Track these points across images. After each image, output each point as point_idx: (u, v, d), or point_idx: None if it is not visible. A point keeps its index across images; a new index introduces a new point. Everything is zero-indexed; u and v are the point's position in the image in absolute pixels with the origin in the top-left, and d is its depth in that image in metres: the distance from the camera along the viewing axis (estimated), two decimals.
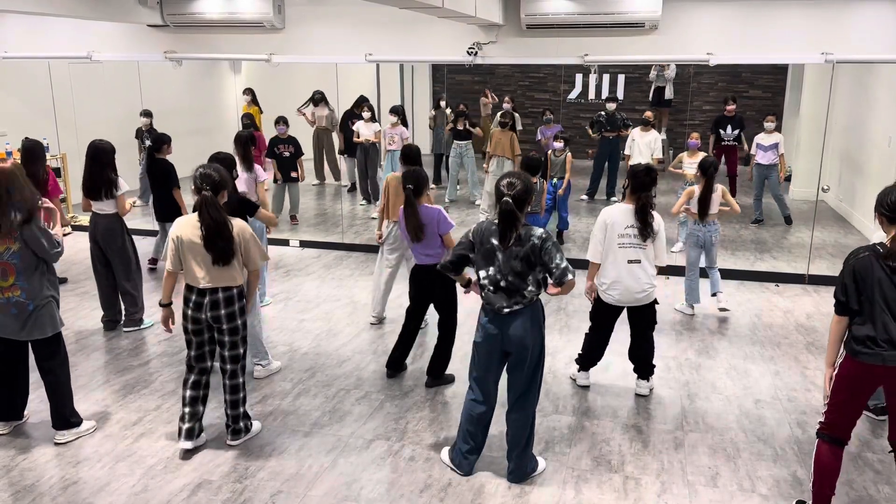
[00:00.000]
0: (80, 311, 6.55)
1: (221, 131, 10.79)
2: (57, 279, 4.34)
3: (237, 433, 4.34)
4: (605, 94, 12.73)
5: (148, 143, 7.76)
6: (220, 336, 4.17)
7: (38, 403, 4.73)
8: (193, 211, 4.02)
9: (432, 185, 10.74)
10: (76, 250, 8.53)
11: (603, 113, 10.53)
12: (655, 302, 4.90)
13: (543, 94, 13.68)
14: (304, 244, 8.84)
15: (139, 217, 9.19)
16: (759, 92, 13.22)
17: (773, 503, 3.83)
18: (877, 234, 3.85)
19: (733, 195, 7.46)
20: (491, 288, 3.81)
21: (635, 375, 5.07)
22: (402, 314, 5.36)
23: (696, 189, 6.29)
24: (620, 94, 12.33)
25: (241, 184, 5.93)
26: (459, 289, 4.51)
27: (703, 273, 6.59)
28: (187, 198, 5.13)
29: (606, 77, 12.86)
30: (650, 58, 8.20)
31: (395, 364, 5.28)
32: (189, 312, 4.09)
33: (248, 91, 10.59)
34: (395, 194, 5.81)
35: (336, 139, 11.15)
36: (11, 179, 4.02)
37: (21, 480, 3.98)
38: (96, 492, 3.88)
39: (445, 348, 5.13)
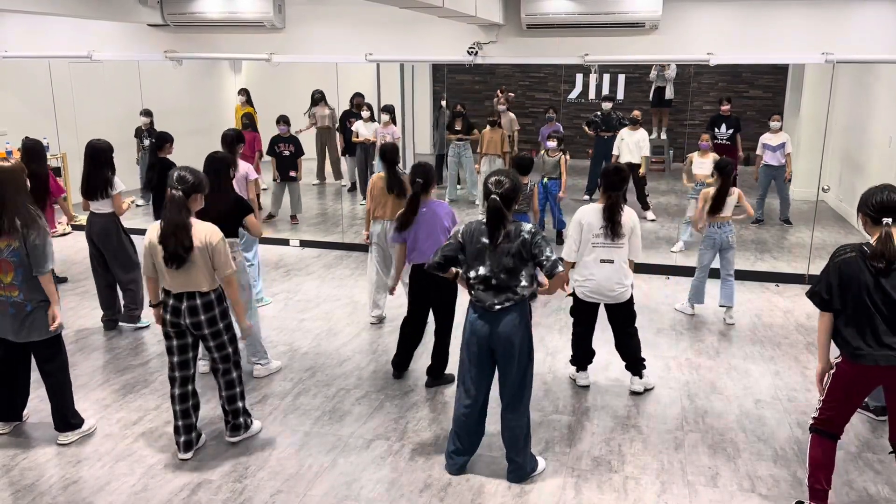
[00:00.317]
0: (80, 311, 6.55)
1: (221, 131, 10.76)
2: (56, 279, 4.32)
3: (236, 429, 4.33)
4: (606, 91, 12.75)
5: (147, 142, 7.77)
6: (205, 342, 4.12)
7: (38, 403, 4.73)
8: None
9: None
10: (76, 250, 8.53)
11: (599, 112, 10.54)
12: (633, 299, 4.94)
13: (544, 94, 13.69)
14: (304, 244, 8.84)
15: (140, 216, 9.19)
16: (760, 92, 13.23)
17: (773, 503, 3.83)
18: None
19: None
20: (481, 286, 3.81)
21: (629, 373, 5.08)
22: (401, 314, 5.35)
23: (711, 191, 6.23)
24: (620, 94, 12.35)
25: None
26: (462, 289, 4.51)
27: (712, 274, 6.53)
28: None
29: (607, 77, 12.87)
30: (650, 58, 8.20)
31: (400, 367, 5.28)
32: (168, 317, 4.02)
33: (243, 91, 10.60)
34: (382, 194, 5.82)
35: (339, 139, 11.18)
36: (15, 178, 4.02)
37: (21, 480, 3.99)
38: (96, 491, 3.88)
39: (444, 348, 5.13)
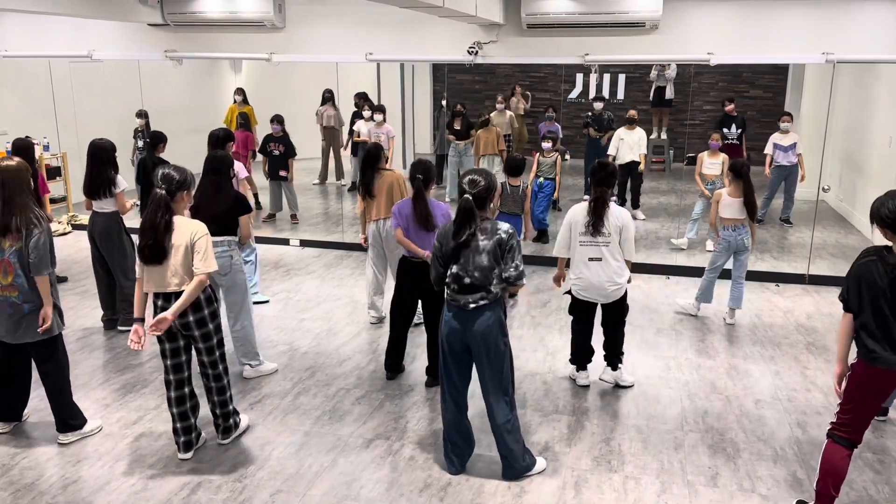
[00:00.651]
0: (80, 311, 6.55)
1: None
2: (56, 280, 4.32)
3: (227, 431, 4.32)
4: (606, 93, 12.74)
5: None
6: (195, 343, 4.10)
7: (38, 402, 4.73)
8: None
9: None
10: (76, 249, 8.53)
11: (590, 113, 10.55)
12: (626, 297, 4.95)
13: (544, 94, 13.67)
14: (304, 243, 8.83)
15: (138, 217, 9.18)
16: (760, 92, 13.22)
17: (773, 503, 3.83)
18: (877, 234, 3.84)
19: None
20: (455, 285, 3.82)
21: (605, 363, 5.11)
22: None
23: (724, 192, 6.18)
24: (621, 94, 12.33)
25: None
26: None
27: (723, 275, 6.49)
28: None
29: (607, 77, 12.87)
30: (651, 57, 8.20)
31: (393, 367, 5.28)
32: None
33: (239, 91, 10.61)
34: (377, 194, 5.82)
35: (344, 138, 11.23)
36: (21, 176, 4.03)
37: (21, 479, 3.98)
38: (96, 491, 3.88)
39: (438, 346, 5.11)
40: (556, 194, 8.67)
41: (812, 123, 10.13)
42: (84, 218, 9.48)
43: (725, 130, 9.55)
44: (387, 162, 5.94)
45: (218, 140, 6.16)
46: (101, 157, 5.79)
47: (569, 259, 4.96)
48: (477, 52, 7.64)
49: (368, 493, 3.88)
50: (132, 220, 6.31)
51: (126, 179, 6.02)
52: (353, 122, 10.91)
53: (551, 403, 4.89)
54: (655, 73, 12.01)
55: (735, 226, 6.17)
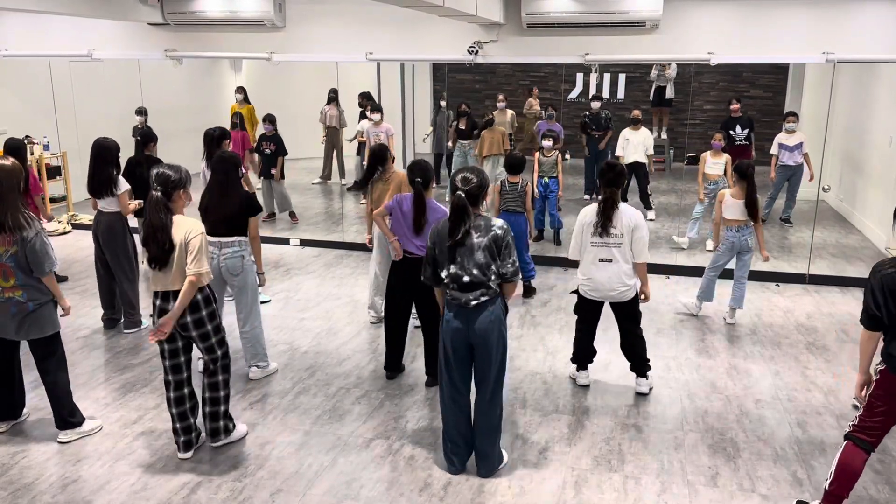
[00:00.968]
0: (80, 310, 6.55)
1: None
2: (56, 278, 4.33)
3: (215, 433, 4.25)
4: (606, 93, 12.73)
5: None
6: (196, 343, 4.09)
7: (37, 402, 4.74)
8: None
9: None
10: (76, 249, 8.53)
11: (588, 113, 10.55)
12: (637, 298, 4.92)
13: (544, 93, 13.65)
14: (304, 243, 8.83)
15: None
16: (761, 92, 13.21)
17: (773, 503, 3.83)
18: (875, 234, 3.84)
19: None
20: (454, 285, 3.83)
21: (634, 374, 5.07)
22: None
23: (727, 193, 6.17)
24: (621, 94, 12.32)
25: None
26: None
27: (724, 274, 6.49)
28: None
29: (607, 76, 12.86)
30: (651, 57, 8.19)
31: (392, 367, 5.27)
32: (156, 319, 3.99)
33: (240, 89, 10.61)
34: (381, 195, 5.80)
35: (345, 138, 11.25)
36: (13, 177, 4.03)
37: (20, 478, 3.98)
38: (96, 490, 3.88)
39: (436, 345, 5.11)
40: (560, 191, 8.66)
41: (812, 123, 10.12)
42: (84, 217, 9.49)
43: (732, 132, 9.50)
44: (393, 161, 5.93)
45: (212, 139, 6.13)
46: (104, 157, 5.77)
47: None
48: (477, 51, 7.64)
49: (368, 492, 3.88)
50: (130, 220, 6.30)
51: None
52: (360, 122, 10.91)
53: (551, 403, 4.89)
54: (656, 73, 12.00)
55: (739, 227, 6.16)
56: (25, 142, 7.11)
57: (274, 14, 7.98)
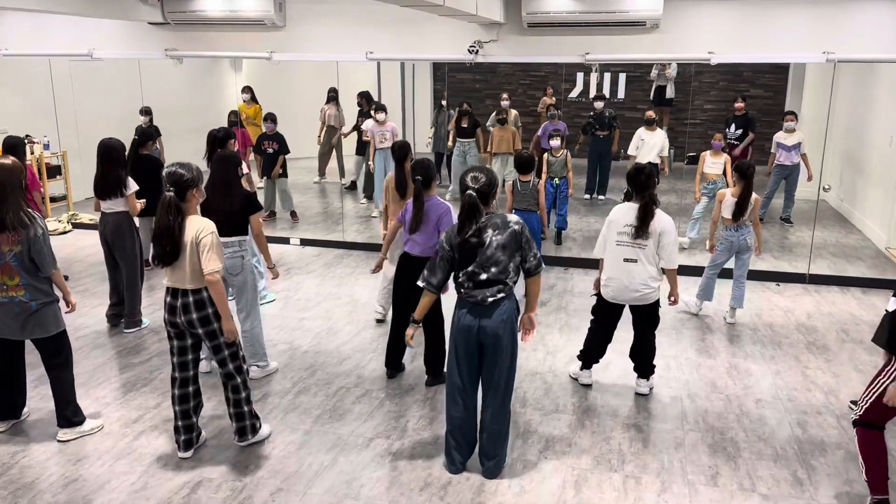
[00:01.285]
0: (81, 309, 6.54)
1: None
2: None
3: (243, 433, 4.28)
4: (606, 92, 12.73)
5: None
6: (203, 341, 4.09)
7: (37, 401, 4.74)
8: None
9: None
10: (76, 248, 8.53)
11: (592, 113, 10.54)
12: (658, 303, 4.89)
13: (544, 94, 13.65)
14: (304, 242, 8.84)
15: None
16: (761, 91, 13.20)
17: (774, 503, 3.83)
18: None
19: None
20: (470, 283, 3.83)
21: (635, 374, 5.07)
22: None
23: (727, 192, 6.17)
24: (621, 93, 12.30)
25: None
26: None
27: (724, 274, 6.49)
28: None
29: (608, 76, 12.86)
30: (651, 56, 8.19)
31: (393, 366, 5.27)
32: (166, 315, 4.02)
33: (247, 89, 10.61)
34: (396, 193, 5.80)
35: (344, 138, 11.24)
36: (14, 175, 4.04)
37: (21, 478, 3.99)
38: (96, 489, 3.88)
39: (437, 345, 5.11)
40: (570, 190, 8.64)
41: (812, 123, 10.12)
42: (85, 216, 9.49)
43: (727, 130, 9.52)
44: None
45: (216, 140, 6.13)
46: (112, 157, 5.77)
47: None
48: (477, 51, 7.64)
49: (369, 491, 3.88)
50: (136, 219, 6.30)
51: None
52: (359, 121, 10.88)
53: (552, 402, 4.89)
54: (656, 73, 12.00)
55: (738, 226, 6.17)
56: (25, 141, 7.10)
57: (274, 13, 7.98)
